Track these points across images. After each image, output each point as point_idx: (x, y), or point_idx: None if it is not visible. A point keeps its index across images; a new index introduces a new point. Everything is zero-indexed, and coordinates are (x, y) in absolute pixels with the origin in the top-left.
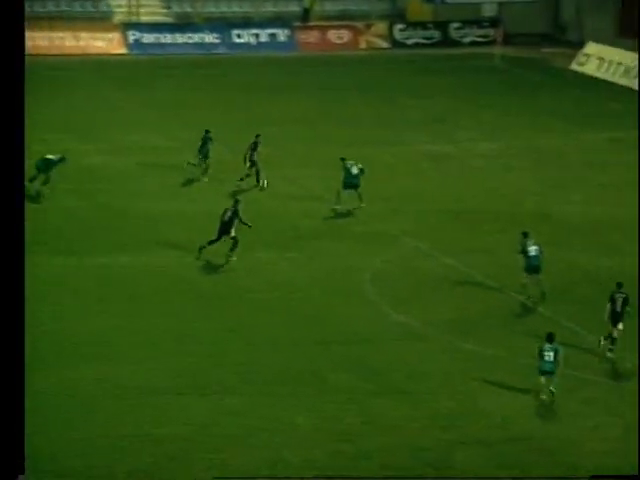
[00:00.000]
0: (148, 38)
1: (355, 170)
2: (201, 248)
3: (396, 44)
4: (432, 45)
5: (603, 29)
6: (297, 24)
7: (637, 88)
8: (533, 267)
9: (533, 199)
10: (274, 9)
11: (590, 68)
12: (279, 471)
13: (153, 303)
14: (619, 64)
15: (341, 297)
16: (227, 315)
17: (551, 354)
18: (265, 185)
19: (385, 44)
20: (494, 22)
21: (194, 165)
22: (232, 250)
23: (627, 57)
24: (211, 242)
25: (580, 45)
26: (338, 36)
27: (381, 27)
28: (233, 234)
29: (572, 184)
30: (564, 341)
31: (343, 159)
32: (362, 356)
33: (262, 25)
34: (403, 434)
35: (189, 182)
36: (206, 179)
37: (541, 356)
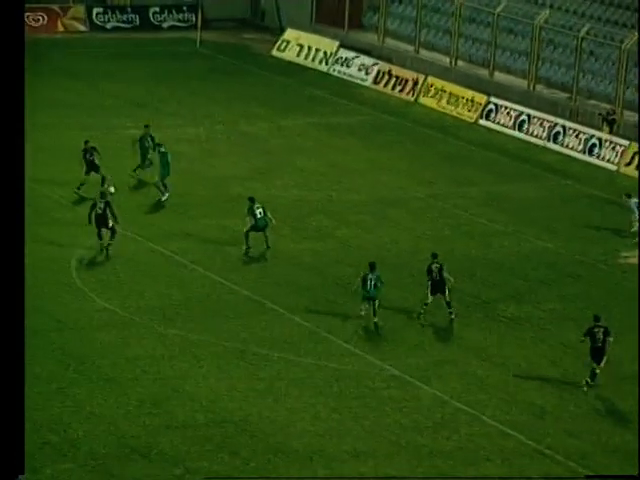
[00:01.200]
0: None
1: (170, 159)
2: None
3: (95, 28)
4: (132, 29)
5: (301, 15)
6: None
7: (336, 74)
8: (259, 227)
9: (237, 184)
10: None
11: (290, 54)
12: None
13: None
14: (317, 50)
15: (46, 284)
16: None
17: (372, 283)
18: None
19: (83, 28)
20: (193, 7)
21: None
22: (112, 239)
23: (325, 44)
24: (99, 235)
25: (280, 31)
26: (34, 19)
27: (79, 10)
28: (111, 224)
29: (275, 169)
30: (271, 324)
31: (159, 145)
32: (67, 344)
33: None
34: (109, 421)
35: None
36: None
37: (364, 284)
